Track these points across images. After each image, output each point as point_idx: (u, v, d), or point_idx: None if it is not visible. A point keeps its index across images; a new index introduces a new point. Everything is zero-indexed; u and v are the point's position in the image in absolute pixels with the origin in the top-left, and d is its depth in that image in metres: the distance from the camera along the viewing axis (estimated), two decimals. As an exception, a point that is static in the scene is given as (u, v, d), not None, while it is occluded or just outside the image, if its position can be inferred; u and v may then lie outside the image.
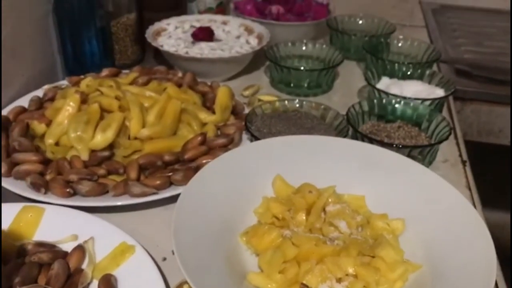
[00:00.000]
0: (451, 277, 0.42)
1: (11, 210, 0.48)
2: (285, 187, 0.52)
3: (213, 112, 0.64)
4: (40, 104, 0.64)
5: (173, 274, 0.45)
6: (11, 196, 0.53)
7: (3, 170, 0.53)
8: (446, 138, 0.59)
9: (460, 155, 0.65)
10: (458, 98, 0.82)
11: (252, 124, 0.62)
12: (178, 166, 0.56)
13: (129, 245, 0.45)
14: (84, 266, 0.44)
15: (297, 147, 0.55)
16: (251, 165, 0.53)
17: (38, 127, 0.59)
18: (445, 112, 0.74)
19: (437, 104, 0.68)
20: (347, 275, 0.42)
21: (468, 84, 0.87)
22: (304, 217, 0.48)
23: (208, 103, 0.66)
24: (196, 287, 0.38)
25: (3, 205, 0.50)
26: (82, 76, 0.68)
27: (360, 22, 0.95)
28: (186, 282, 0.44)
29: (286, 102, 0.67)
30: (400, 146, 0.58)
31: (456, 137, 0.69)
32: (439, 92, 0.70)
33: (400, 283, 0.43)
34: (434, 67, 0.84)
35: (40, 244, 0.46)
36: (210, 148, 0.58)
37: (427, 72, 0.73)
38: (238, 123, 0.64)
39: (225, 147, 0.58)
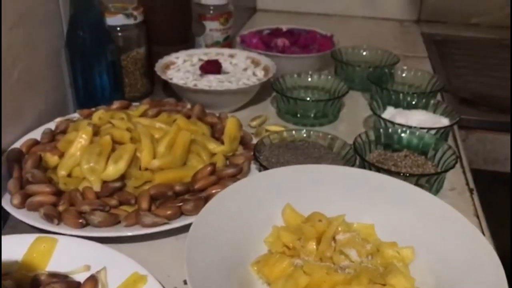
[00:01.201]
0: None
1: (24, 241, 0.49)
2: (295, 216, 0.52)
3: (222, 143, 0.65)
4: (52, 137, 0.65)
5: (185, 304, 0.45)
6: (25, 227, 0.53)
7: (16, 202, 0.54)
8: (453, 167, 0.60)
9: (467, 183, 0.66)
10: (463, 127, 0.83)
11: (261, 154, 0.63)
12: (188, 196, 0.57)
13: (141, 275, 0.46)
14: (96, 296, 0.45)
15: (305, 176, 0.55)
16: (260, 195, 0.53)
17: (51, 159, 0.60)
18: (450, 141, 0.75)
19: (443, 133, 0.69)
20: (359, 303, 0.43)
21: (472, 113, 0.88)
22: (314, 246, 0.48)
23: (216, 134, 0.67)
24: (209, 316, 0.38)
25: (16, 236, 0.50)
26: (93, 109, 0.70)
27: (364, 53, 0.97)
28: (198, 312, 0.44)
29: (294, 132, 0.68)
30: (408, 174, 0.59)
31: (462, 166, 0.70)
32: (444, 121, 0.71)
33: (412, 311, 0.43)
34: (438, 97, 0.85)
35: (54, 275, 0.46)
36: (219, 178, 0.59)
37: (432, 101, 0.75)
38: (246, 153, 0.65)
39: (234, 177, 0.59)
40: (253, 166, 0.62)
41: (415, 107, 0.75)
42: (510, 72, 1.01)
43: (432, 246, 0.49)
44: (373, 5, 1.38)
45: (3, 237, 0.51)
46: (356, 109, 0.85)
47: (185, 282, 0.48)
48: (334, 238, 0.49)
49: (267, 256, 0.48)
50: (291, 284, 0.43)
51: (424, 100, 0.75)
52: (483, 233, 0.56)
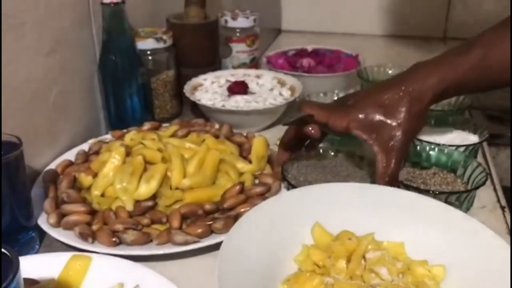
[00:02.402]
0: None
1: (60, 259, 0.50)
2: (324, 235, 0.52)
3: (250, 162, 0.66)
4: (86, 158, 0.68)
5: (216, 322, 0.46)
6: (60, 245, 0.55)
7: (52, 221, 0.56)
8: (483, 184, 0.59)
9: (499, 201, 0.65)
10: (493, 144, 0.82)
11: (289, 173, 0.64)
12: (218, 214, 0.58)
13: (173, 292, 0.47)
14: (130, 314, 0.46)
15: (334, 195, 0.55)
16: (289, 213, 0.54)
17: (85, 179, 0.62)
18: (480, 158, 0.74)
19: (472, 150, 0.68)
20: (391, 322, 0.42)
21: (501, 130, 0.87)
22: (344, 264, 0.48)
23: (244, 153, 0.68)
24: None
25: (52, 254, 0.52)
26: (124, 130, 0.72)
27: (390, 72, 0.97)
28: (229, 330, 0.45)
29: (321, 151, 0.69)
30: (437, 192, 0.59)
31: (493, 183, 0.69)
32: (473, 138, 0.70)
33: (445, 330, 0.42)
34: (466, 114, 0.84)
35: (89, 292, 0.47)
36: (248, 196, 0.60)
37: (459, 118, 0.74)
38: (274, 172, 0.66)
39: (262, 196, 0.60)
40: (282, 185, 0.63)
41: (443, 124, 0.75)
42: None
43: (464, 264, 0.48)
44: (397, 23, 1.39)
45: (40, 255, 0.53)
46: (383, 127, 0.84)
47: (216, 300, 0.48)
48: (364, 257, 0.49)
49: (298, 274, 0.48)
50: (322, 302, 0.43)
51: (451, 118, 0.75)
52: (516, 251, 0.55)
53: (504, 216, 0.62)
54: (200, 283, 0.50)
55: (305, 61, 0.97)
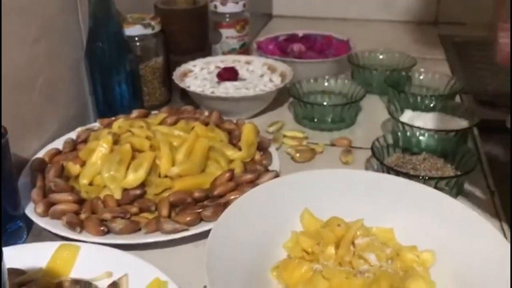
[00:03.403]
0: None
1: (48, 249, 0.50)
2: (313, 221, 0.52)
3: (240, 149, 0.66)
4: (73, 146, 0.67)
5: (206, 310, 0.46)
6: (48, 235, 0.55)
7: (40, 210, 0.55)
8: (473, 169, 0.59)
9: (488, 186, 0.65)
10: (483, 129, 0.82)
11: None
12: (208, 202, 0.57)
13: (162, 281, 0.46)
14: (119, 302, 0.45)
15: (323, 181, 0.55)
16: (278, 200, 0.53)
17: (73, 168, 0.61)
18: (470, 143, 0.74)
19: (462, 135, 0.68)
20: (379, 308, 0.42)
21: (491, 114, 0.87)
22: (333, 251, 0.48)
23: (234, 140, 0.68)
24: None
25: (40, 244, 0.52)
26: (113, 118, 0.71)
27: (381, 56, 0.97)
28: (218, 318, 0.45)
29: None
30: (427, 178, 0.59)
31: (482, 168, 0.69)
32: (463, 123, 0.70)
33: (433, 315, 0.43)
34: (457, 99, 0.84)
35: (77, 282, 0.47)
36: (237, 184, 0.59)
37: (450, 104, 0.74)
38: (264, 158, 0.66)
39: (252, 183, 0.60)
40: (271, 172, 0.63)
41: (433, 109, 0.75)
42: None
43: (453, 249, 0.48)
44: (389, 8, 1.38)
45: (28, 245, 0.52)
46: (373, 113, 0.85)
47: (205, 288, 0.48)
48: (353, 243, 0.49)
49: (286, 261, 0.48)
50: (311, 289, 0.43)
51: (442, 103, 0.75)
52: (505, 235, 0.55)
53: (493, 201, 0.62)
54: (189, 271, 0.50)
55: (296, 47, 0.96)
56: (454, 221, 0.50)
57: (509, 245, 0.46)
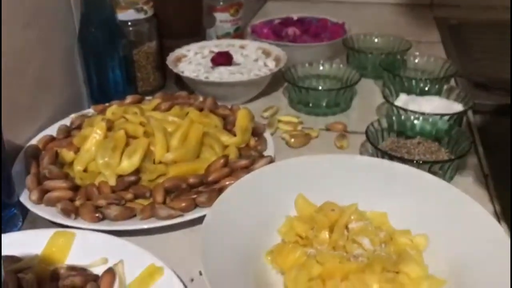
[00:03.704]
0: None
1: (43, 236, 0.50)
2: (307, 206, 0.53)
3: (234, 135, 0.66)
4: (68, 133, 0.67)
5: (201, 295, 0.46)
6: (43, 222, 0.55)
7: (34, 198, 0.55)
8: (467, 153, 0.59)
9: (482, 169, 0.65)
10: (478, 112, 0.82)
11: None
12: (202, 188, 0.57)
13: (158, 267, 0.47)
14: (115, 288, 0.46)
15: (318, 166, 0.56)
16: (273, 185, 0.54)
17: (67, 154, 0.61)
18: (464, 127, 0.74)
19: (456, 119, 0.68)
20: (372, 291, 0.43)
21: (487, 98, 0.87)
22: (327, 235, 0.48)
23: (229, 126, 0.68)
24: (224, 306, 0.39)
25: (35, 231, 0.52)
26: (107, 104, 0.71)
27: (376, 40, 0.96)
28: (213, 302, 0.45)
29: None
30: (421, 162, 0.59)
31: (477, 151, 0.69)
32: (458, 107, 0.70)
33: (425, 298, 0.43)
34: (452, 82, 0.84)
35: (72, 268, 0.47)
36: (232, 169, 0.59)
37: (445, 87, 0.74)
38: (258, 144, 0.66)
39: (247, 168, 0.60)
40: (266, 158, 0.63)
41: (428, 93, 0.75)
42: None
43: (446, 233, 0.49)
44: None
45: (23, 232, 0.53)
46: (368, 97, 0.84)
47: (201, 273, 0.48)
48: (347, 227, 0.50)
49: (281, 246, 0.49)
50: (304, 274, 0.43)
51: (437, 86, 0.74)
52: (498, 219, 0.56)
53: (487, 185, 0.62)
54: (184, 257, 0.50)
55: (290, 30, 0.96)
56: (447, 205, 0.51)
57: (502, 228, 0.46)
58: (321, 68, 0.84)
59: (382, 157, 0.60)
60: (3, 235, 0.49)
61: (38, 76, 0.68)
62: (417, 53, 0.87)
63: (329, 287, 0.43)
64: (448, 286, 0.44)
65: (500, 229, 0.46)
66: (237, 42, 0.90)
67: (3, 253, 0.40)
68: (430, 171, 0.57)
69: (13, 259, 0.47)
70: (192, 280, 0.49)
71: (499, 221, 0.54)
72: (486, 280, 0.43)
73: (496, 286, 0.42)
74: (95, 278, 0.46)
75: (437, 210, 0.51)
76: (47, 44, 0.69)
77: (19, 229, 0.55)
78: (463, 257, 0.46)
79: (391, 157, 0.59)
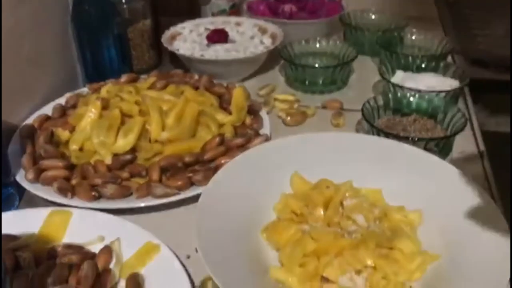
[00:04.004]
0: (468, 267, 0.42)
1: (40, 215, 0.50)
2: (302, 184, 0.53)
3: (230, 113, 0.66)
4: (63, 112, 0.66)
5: (197, 271, 0.47)
6: (40, 201, 0.55)
7: (30, 177, 0.55)
8: (462, 130, 0.59)
9: (477, 146, 0.65)
10: (474, 89, 0.82)
11: None
12: (198, 166, 0.58)
13: (154, 244, 0.47)
14: (111, 266, 0.46)
15: (313, 144, 0.56)
16: (268, 163, 0.54)
17: (62, 134, 0.61)
18: (461, 104, 0.74)
19: (452, 96, 0.68)
20: (366, 267, 0.43)
21: (484, 74, 0.87)
22: (322, 212, 0.49)
23: (224, 104, 0.67)
24: (220, 282, 0.39)
25: (32, 210, 0.52)
26: (102, 83, 0.71)
27: (373, 17, 0.95)
28: (210, 279, 0.46)
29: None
30: (416, 139, 0.59)
31: (472, 128, 0.69)
32: (454, 84, 0.70)
33: (418, 273, 0.44)
34: (449, 59, 0.84)
35: (69, 246, 0.48)
36: (228, 148, 0.60)
37: (442, 64, 0.74)
38: (254, 122, 0.65)
39: (242, 147, 0.60)
40: (261, 136, 0.63)
41: (424, 70, 0.74)
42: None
43: (440, 210, 0.49)
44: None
45: (20, 211, 0.53)
46: (365, 74, 0.84)
47: (197, 250, 0.49)
48: (341, 204, 0.50)
49: (276, 223, 0.49)
50: (299, 250, 0.44)
51: (433, 63, 0.74)
52: (492, 196, 0.56)
53: (482, 162, 0.63)
54: (180, 235, 0.51)
55: (287, 7, 0.94)
56: (442, 182, 0.51)
57: (494, 205, 0.47)
58: (317, 45, 0.83)
59: (378, 134, 0.60)
60: (0, 214, 0.49)
61: (32, 55, 0.67)
62: (414, 30, 0.86)
63: (323, 263, 0.43)
64: (442, 261, 0.45)
65: (494, 206, 0.47)
66: (233, 19, 0.89)
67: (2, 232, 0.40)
68: (425, 148, 0.58)
69: (10, 237, 0.47)
70: (188, 257, 0.49)
71: (493, 198, 0.54)
72: (479, 255, 0.43)
73: (489, 261, 0.42)
74: (92, 256, 0.47)
75: (431, 186, 0.51)
76: (40, 22, 0.69)
77: (16, 208, 0.55)
78: (456, 233, 0.47)
79: (387, 135, 0.59)
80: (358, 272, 0.43)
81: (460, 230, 0.47)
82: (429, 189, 0.51)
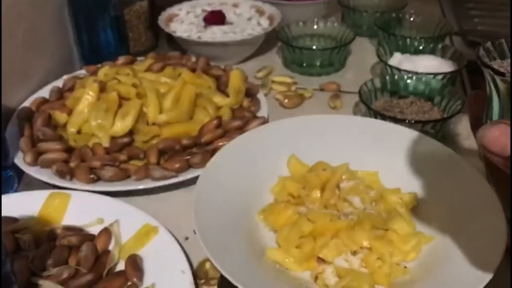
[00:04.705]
0: (463, 248, 0.43)
1: (39, 197, 0.51)
2: (299, 166, 0.53)
3: (227, 96, 0.66)
4: (60, 94, 0.66)
5: (196, 253, 0.47)
6: (38, 183, 0.55)
7: (29, 160, 0.55)
8: (459, 112, 0.59)
9: (474, 128, 0.66)
10: (472, 71, 0.82)
11: None
12: (196, 149, 0.58)
13: (153, 226, 0.48)
14: (110, 247, 0.47)
15: (310, 127, 0.56)
16: (266, 146, 0.54)
17: (60, 116, 0.61)
18: (458, 86, 0.74)
19: (450, 78, 0.68)
20: (361, 248, 0.44)
21: (482, 56, 0.86)
22: (318, 194, 0.49)
23: (222, 87, 0.67)
24: (218, 264, 0.40)
25: (31, 192, 0.52)
26: (99, 65, 0.70)
27: (372, -3, 0.94)
28: (208, 260, 0.46)
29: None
30: (413, 121, 0.59)
31: (469, 110, 0.69)
32: (452, 66, 0.70)
33: (413, 254, 0.44)
34: (447, 41, 0.83)
35: (69, 228, 0.48)
36: (225, 131, 0.60)
37: (439, 46, 0.73)
38: (252, 105, 0.66)
39: (240, 129, 0.60)
40: (259, 119, 0.63)
41: (422, 52, 0.74)
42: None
43: (436, 192, 0.49)
44: None
45: (19, 194, 0.53)
46: (363, 56, 0.84)
47: (195, 232, 0.49)
48: (338, 186, 0.50)
49: (273, 205, 0.49)
50: (296, 231, 0.44)
51: (431, 45, 0.74)
52: (488, 178, 0.56)
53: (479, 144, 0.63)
54: (179, 216, 0.51)
55: (285, -12, 0.93)
56: (438, 164, 0.51)
57: (489, 187, 0.47)
58: (315, 27, 0.83)
59: (375, 116, 0.60)
60: (-1, 197, 0.50)
61: (28, 37, 0.67)
62: (412, 11, 0.85)
63: (320, 244, 0.44)
64: (436, 242, 0.45)
65: (488, 187, 0.47)
66: (230, 0, 0.88)
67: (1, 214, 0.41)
68: (422, 130, 0.58)
69: (10, 220, 0.48)
70: (186, 238, 0.50)
71: (488, 180, 0.54)
72: (474, 236, 0.44)
73: (484, 243, 0.43)
74: (91, 237, 0.47)
75: (427, 169, 0.51)
76: (37, 4, 0.68)
77: (15, 191, 0.56)
78: (452, 215, 0.47)
79: (384, 117, 0.59)
80: (354, 253, 0.44)
81: (455, 212, 0.47)
82: (425, 171, 0.51)
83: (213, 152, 0.55)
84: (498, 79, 0.29)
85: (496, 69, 0.27)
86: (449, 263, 0.43)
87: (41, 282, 0.42)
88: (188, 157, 0.56)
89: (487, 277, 0.38)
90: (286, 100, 0.70)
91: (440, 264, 0.43)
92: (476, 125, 0.35)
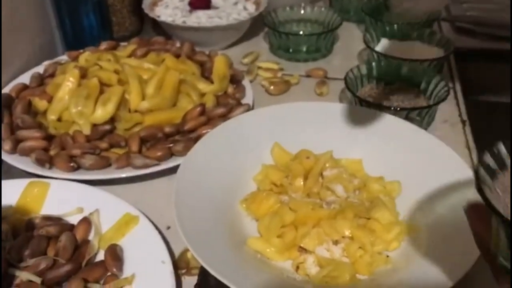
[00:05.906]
0: (446, 237, 0.43)
1: (17, 186, 0.50)
2: (283, 154, 0.53)
3: (212, 82, 0.65)
4: (41, 81, 0.65)
5: (178, 242, 0.47)
6: (17, 172, 0.54)
7: (7, 147, 0.54)
8: (444, 99, 0.59)
9: (460, 115, 0.65)
10: (459, 57, 0.81)
11: None
12: (179, 137, 0.57)
13: (133, 215, 0.47)
14: (90, 237, 0.46)
15: (294, 114, 0.55)
16: (249, 134, 0.53)
17: (40, 103, 0.60)
18: (446, 72, 0.73)
19: (436, 65, 0.67)
20: (343, 237, 0.44)
21: (470, 42, 0.86)
22: (301, 183, 0.49)
23: (206, 73, 0.66)
24: (198, 254, 0.39)
25: (10, 181, 0.51)
26: (81, 51, 0.69)
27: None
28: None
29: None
30: (398, 108, 0.59)
31: (456, 97, 0.69)
32: (439, 52, 0.69)
33: (396, 243, 0.44)
34: (435, 27, 0.82)
35: (48, 218, 0.47)
36: (209, 118, 0.59)
37: (426, 32, 0.73)
38: (236, 91, 0.65)
39: (224, 117, 0.59)
40: (243, 106, 0.62)
41: (409, 38, 0.73)
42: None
43: (420, 180, 0.49)
44: None
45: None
46: (350, 42, 0.83)
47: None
48: (321, 174, 0.50)
49: (255, 193, 0.49)
50: (277, 220, 0.44)
51: (419, 31, 0.73)
52: (473, 165, 0.56)
53: (464, 130, 0.63)
54: (161, 205, 0.51)
55: (272, -28, 0.92)
56: (422, 152, 0.51)
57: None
58: (302, 12, 0.82)
59: (360, 104, 0.60)
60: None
61: (8, 22, 0.65)
62: (401, -4, 0.84)
63: (301, 233, 0.43)
64: (420, 231, 0.45)
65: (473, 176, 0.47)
66: (216, -16, 0.86)
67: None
68: (407, 117, 0.57)
69: (-13, 209, 0.47)
70: (168, 227, 0.49)
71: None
72: (457, 225, 0.43)
73: (467, 231, 0.42)
74: (71, 227, 0.46)
75: (411, 156, 0.51)
76: (15, -13, 0.66)
77: (-7, 179, 0.55)
78: (435, 203, 0.47)
79: (369, 104, 0.59)
80: (336, 242, 0.44)
81: (438, 200, 0.47)
82: (409, 159, 0.51)
83: (196, 140, 0.54)
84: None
85: (506, 218, 0.25)
86: (431, 252, 0.42)
87: (18, 273, 0.41)
88: (171, 145, 0.55)
89: (468, 265, 0.38)
90: (272, 87, 0.69)
91: (422, 253, 0.43)
92: (481, 247, 0.32)
